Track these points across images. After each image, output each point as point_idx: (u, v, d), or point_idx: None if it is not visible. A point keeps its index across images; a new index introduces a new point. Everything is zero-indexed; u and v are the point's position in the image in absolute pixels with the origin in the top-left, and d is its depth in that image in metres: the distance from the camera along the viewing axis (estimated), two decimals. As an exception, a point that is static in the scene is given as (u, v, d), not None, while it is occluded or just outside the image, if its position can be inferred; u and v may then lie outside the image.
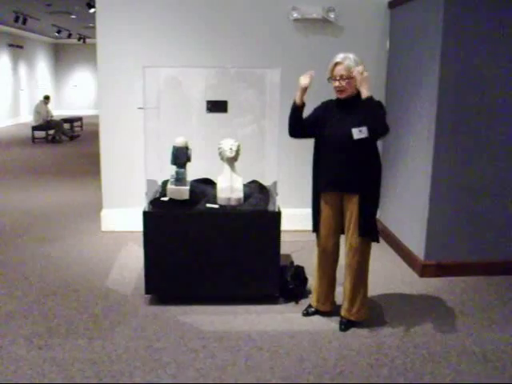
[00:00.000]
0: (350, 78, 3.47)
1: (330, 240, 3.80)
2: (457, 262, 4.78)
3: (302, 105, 3.64)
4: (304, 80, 3.59)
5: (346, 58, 3.48)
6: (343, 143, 3.52)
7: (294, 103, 3.64)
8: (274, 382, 3.15)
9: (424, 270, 4.76)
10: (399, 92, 5.47)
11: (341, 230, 3.81)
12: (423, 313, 4.08)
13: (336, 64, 3.50)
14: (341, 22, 5.72)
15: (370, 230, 3.65)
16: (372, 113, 3.42)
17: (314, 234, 3.87)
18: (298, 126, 3.69)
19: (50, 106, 15.13)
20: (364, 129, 3.45)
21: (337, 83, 3.51)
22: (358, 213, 3.59)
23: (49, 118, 14.37)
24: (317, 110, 3.73)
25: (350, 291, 3.78)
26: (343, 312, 3.84)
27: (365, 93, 3.42)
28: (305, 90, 3.60)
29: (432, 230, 4.71)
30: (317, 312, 3.98)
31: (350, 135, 3.47)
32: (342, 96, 3.55)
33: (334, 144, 3.57)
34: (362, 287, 3.77)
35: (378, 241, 3.72)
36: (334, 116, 3.62)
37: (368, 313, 3.86)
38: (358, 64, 3.48)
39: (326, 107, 3.71)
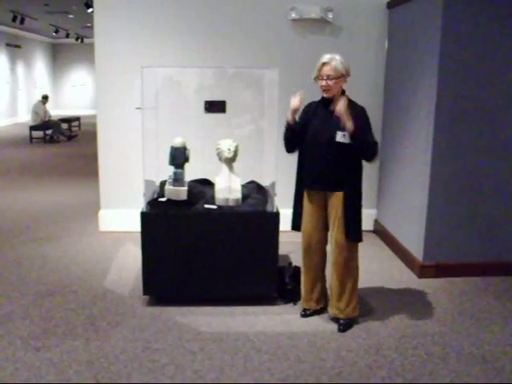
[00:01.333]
0: (336, 78, 3.53)
1: (313, 237, 3.83)
2: (455, 262, 4.77)
3: (295, 123, 3.70)
4: (294, 102, 3.63)
5: (332, 59, 3.54)
6: (326, 143, 3.57)
7: (288, 123, 3.70)
8: (273, 383, 3.14)
9: (422, 271, 4.75)
10: (397, 92, 5.46)
11: (325, 227, 3.84)
12: (422, 314, 4.07)
13: (323, 64, 3.55)
14: (339, 22, 5.71)
15: (355, 231, 3.68)
16: (362, 147, 3.55)
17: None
18: (294, 142, 3.76)
19: (48, 105, 15.04)
20: (347, 135, 3.51)
21: (324, 83, 3.56)
22: (343, 213, 3.63)
23: (47, 119, 14.31)
24: (301, 116, 3.78)
25: (336, 288, 3.80)
26: (331, 310, 3.86)
27: (350, 128, 3.45)
28: (295, 110, 3.66)
29: (431, 231, 4.70)
30: (315, 313, 3.98)
31: (333, 135, 3.53)
32: (328, 95, 3.61)
33: (317, 143, 3.62)
34: (349, 284, 3.77)
35: (361, 240, 3.74)
36: (318, 115, 3.68)
37: (357, 310, 3.86)
38: (344, 65, 3.55)
39: (309, 108, 3.78)
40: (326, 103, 3.65)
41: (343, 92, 3.65)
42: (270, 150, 4.15)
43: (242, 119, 5.11)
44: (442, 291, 4.49)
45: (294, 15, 5.63)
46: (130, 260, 5.12)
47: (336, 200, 3.65)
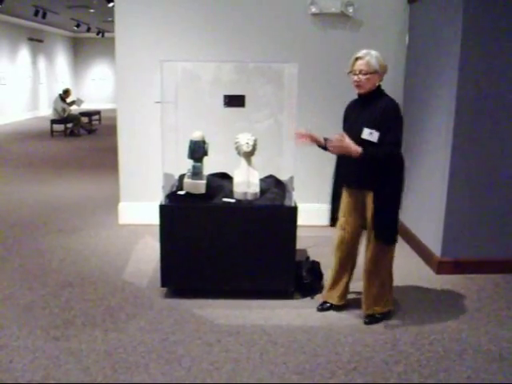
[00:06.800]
0: (369, 73, 3.47)
1: (347, 233, 3.80)
2: (474, 259, 4.74)
3: (324, 141, 3.70)
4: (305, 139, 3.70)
5: (367, 54, 3.49)
6: (356, 140, 3.47)
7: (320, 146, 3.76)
8: (288, 376, 3.15)
9: (440, 267, 4.73)
10: (418, 88, 5.43)
11: (361, 225, 3.80)
12: (439, 310, 4.06)
13: (357, 58, 3.51)
14: (359, 16, 5.68)
15: (386, 232, 3.62)
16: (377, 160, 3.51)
17: (331, 229, 3.86)
18: None
19: (71, 98, 14.96)
20: (375, 133, 3.44)
21: (355, 77, 3.51)
22: (374, 212, 3.58)
23: (65, 115, 14.16)
24: (343, 115, 3.78)
25: (364, 285, 3.81)
26: (363, 306, 3.87)
27: (357, 151, 3.42)
28: (314, 140, 3.71)
29: (449, 227, 4.67)
30: (332, 307, 3.98)
31: (361, 133, 3.48)
32: (361, 91, 3.57)
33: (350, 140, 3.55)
34: (377, 282, 3.75)
35: (392, 243, 3.69)
36: (353, 112, 3.67)
37: (383, 309, 3.83)
38: (379, 61, 3.49)
39: (349, 106, 3.78)
40: (361, 100, 3.61)
41: (379, 87, 3.58)
42: (288, 144, 4.16)
43: (261, 114, 5.11)
44: (459, 288, 4.46)
45: (314, 9, 5.61)
46: (148, 252, 5.16)
47: (370, 199, 3.60)
